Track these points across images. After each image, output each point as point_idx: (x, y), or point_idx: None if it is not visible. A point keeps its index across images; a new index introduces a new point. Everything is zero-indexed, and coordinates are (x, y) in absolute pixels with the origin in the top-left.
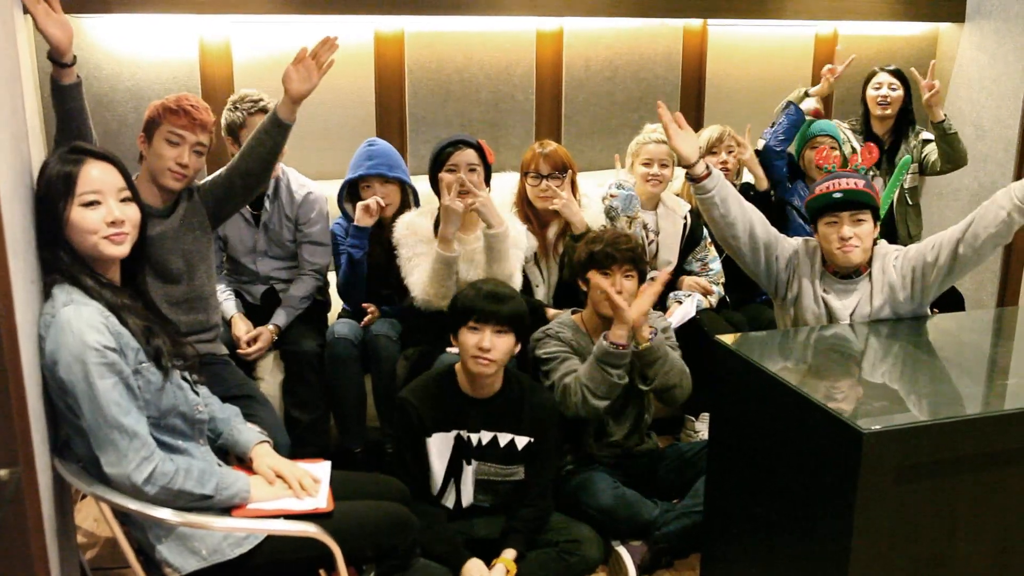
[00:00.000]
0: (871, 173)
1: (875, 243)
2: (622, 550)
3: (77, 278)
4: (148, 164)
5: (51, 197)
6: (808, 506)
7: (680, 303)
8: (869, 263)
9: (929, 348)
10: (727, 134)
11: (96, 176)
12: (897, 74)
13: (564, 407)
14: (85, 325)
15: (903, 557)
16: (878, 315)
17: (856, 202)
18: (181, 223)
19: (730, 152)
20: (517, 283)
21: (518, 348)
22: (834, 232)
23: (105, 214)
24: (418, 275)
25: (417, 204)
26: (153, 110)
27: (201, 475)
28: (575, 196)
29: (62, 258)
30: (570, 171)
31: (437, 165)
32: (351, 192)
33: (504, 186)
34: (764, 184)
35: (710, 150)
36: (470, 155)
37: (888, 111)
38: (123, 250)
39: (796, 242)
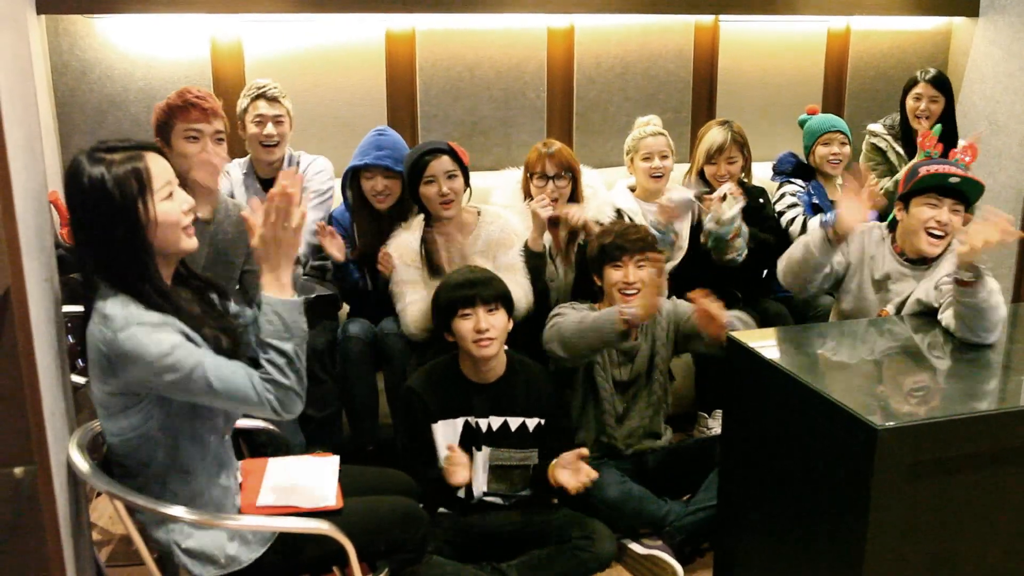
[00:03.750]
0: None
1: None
2: (660, 554)
3: (140, 290)
4: (174, 168)
5: (125, 198)
6: (822, 503)
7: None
8: (940, 256)
9: (943, 344)
10: (729, 142)
11: (163, 167)
12: (937, 83)
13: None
14: (148, 343)
15: (917, 553)
16: (912, 309)
17: (962, 193)
18: (215, 231)
19: (731, 163)
20: (523, 306)
21: (511, 325)
22: (933, 214)
23: (180, 204)
24: (407, 307)
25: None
26: (161, 113)
27: (294, 355)
28: (578, 196)
29: (134, 268)
30: (575, 171)
31: (415, 177)
32: (352, 178)
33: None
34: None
35: (709, 160)
36: (445, 162)
37: (927, 124)
38: (196, 243)
39: (855, 235)
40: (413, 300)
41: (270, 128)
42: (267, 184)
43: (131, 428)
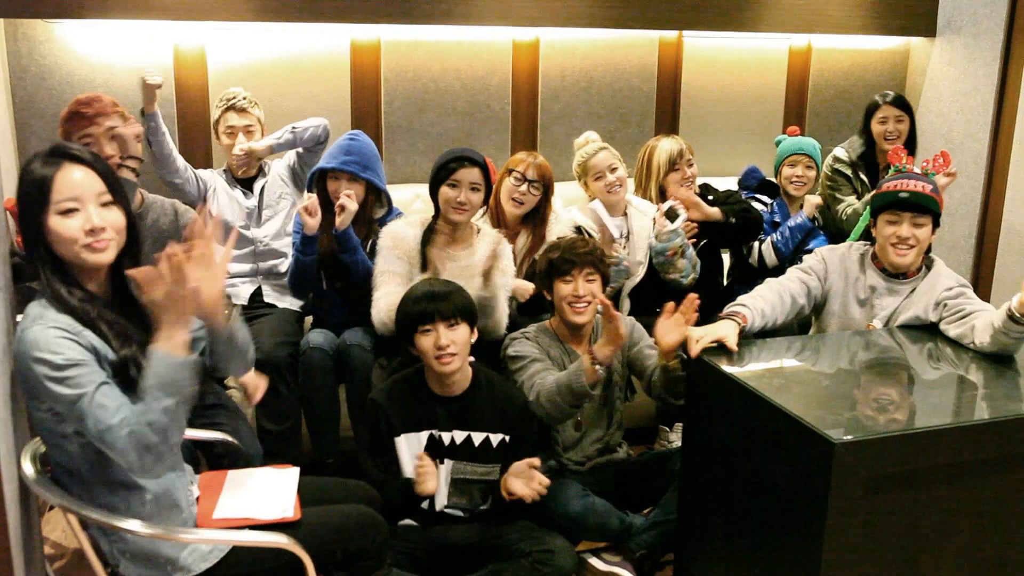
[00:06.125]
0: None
1: (927, 254)
2: (620, 571)
3: (51, 287)
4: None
5: (29, 204)
6: (780, 516)
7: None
8: (919, 270)
9: (900, 359)
10: (684, 147)
11: (74, 181)
12: (900, 104)
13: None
14: (46, 349)
15: (874, 566)
16: (905, 323)
17: (919, 205)
18: (150, 229)
19: (691, 165)
20: (501, 330)
21: (474, 337)
22: (893, 230)
23: (83, 222)
24: (384, 297)
25: (389, 208)
26: (59, 127)
27: (163, 411)
28: (547, 211)
29: (43, 264)
30: (549, 186)
31: (440, 176)
32: (319, 179)
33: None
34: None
35: (672, 167)
36: (474, 174)
37: (896, 145)
38: (106, 257)
39: (828, 256)
40: (388, 292)
41: (241, 139)
42: (244, 183)
43: (51, 435)
